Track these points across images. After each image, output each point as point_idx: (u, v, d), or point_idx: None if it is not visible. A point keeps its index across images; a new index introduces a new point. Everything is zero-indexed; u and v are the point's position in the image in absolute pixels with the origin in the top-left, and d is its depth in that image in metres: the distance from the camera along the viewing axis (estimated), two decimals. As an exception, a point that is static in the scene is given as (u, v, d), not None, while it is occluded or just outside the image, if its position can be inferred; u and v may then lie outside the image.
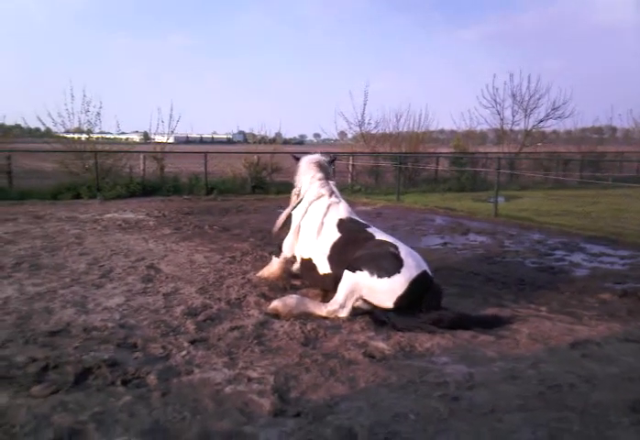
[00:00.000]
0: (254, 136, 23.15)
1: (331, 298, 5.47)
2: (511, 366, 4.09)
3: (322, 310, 5.25)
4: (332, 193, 6.33)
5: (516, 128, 27.06)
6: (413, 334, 4.76)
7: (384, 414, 3.28)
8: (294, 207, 6.44)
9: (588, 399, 3.54)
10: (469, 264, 7.83)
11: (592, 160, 25.11)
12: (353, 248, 5.50)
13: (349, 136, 26.45)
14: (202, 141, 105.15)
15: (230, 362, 4.07)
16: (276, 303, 5.29)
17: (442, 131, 34.08)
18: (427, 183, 21.22)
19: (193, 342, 4.47)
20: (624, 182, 21.51)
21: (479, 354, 4.34)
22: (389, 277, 5.07)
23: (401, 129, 23.72)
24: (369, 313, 5.24)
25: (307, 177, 6.50)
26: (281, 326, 4.90)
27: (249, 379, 3.76)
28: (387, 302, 5.10)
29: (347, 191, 18.67)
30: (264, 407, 3.37)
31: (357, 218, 6.16)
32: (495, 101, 26.06)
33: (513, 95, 25.95)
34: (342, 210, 6.15)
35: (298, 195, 6.56)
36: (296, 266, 6.68)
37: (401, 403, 3.42)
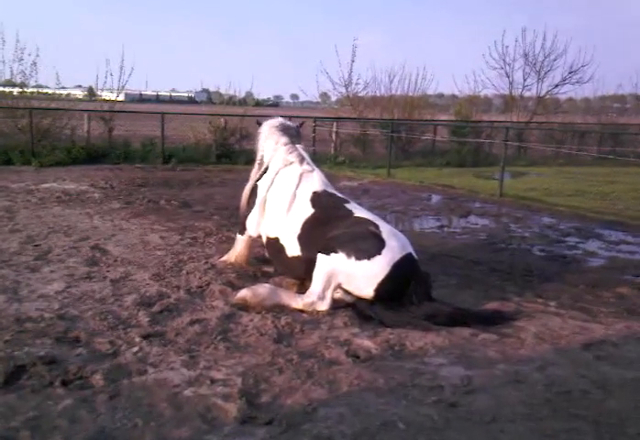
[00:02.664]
0: (221, 95, 22.91)
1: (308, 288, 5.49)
2: (514, 368, 4.15)
3: (297, 302, 5.27)
4: (302, 160, 6.31)
5: (527, 94, 27.20)
6: (404, 330, 4.80)
7: (370, 422, 3.31)
8: (259, 178, 6.42)
9: (602, 407, 3.61)
10: (470, 251, 7.91)
11: (613, 133, 25.37)
12: (327, 227, 5.53)
13: (333, 98, 26.35)
14: (158, 100, 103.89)
15: (190, 361, 4.07)
16: (245, 293, 5.29)
17: (441, 96, 34.09)
18: (423, 156, 21.30)
19: (146, 337, 4.45)
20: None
21: (478, 354, 4.40)
22: (368, 259, 5.12)
23: (394, 92, 23.74)
24: (352, 307, 5.27)
25: (270, 142, 6.48)
26: (251, 320, 4.90)
27: (213, 381, 3.77)
28: (367, 288, 5.15)
29: (329, 162, 18.70)
30: (230, 413, 3.38)
31: (333, 191, 6.18)
32: (504, 61, 26.13)
33: (525, 55, 26.03)
34: (316, 181, 6.14)
35: (261, 165, 6.55)
36: None
37: (389, 410, 3.46)
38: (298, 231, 5.73)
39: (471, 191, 14.06)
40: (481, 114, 27.23)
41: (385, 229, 5.41)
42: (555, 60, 26.03)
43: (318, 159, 19.18)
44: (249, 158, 18.14)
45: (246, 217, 6.38)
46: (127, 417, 3.32)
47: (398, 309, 5.14)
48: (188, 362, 4.05)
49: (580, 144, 24.79)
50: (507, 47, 26.06)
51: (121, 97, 20.52)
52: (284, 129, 6.60)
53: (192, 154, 18.25)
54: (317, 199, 5.92)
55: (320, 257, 5.29)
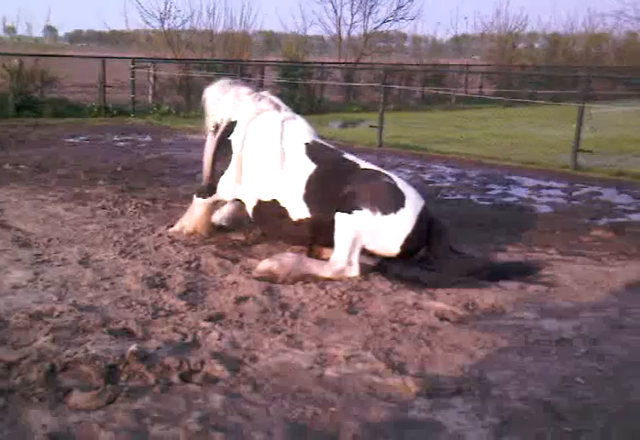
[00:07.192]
0: None
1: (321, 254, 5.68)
2: (603, 315, 4.76)
3: (325, 270, 5.42)
4: (278, 107, 6.30)
5: (356, 35, 28.30)
6: (458, 289, 5.18)
7: (549, 381, 3.68)
8: (224, 133, 6.27)
9: None
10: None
11: (437, 75, 27.54)
12: (337, 183, 5.68)
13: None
14: None
15: (292, 341, 4.11)
16: (270, 264, 5.33)
17: (262, 32, 34.25)
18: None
19: (210, 320, 4.38)
20: (468, 102, 24.92)
21: (552, 306, 4.94)
22: (395, 213, 5.43)
23: (215, 28, 23.50)
24: (380, 270, 5.54)
25: (228, 98, 6.41)
26: (295, 293, 4.99)
27: (347, 359, 3.87)
28: (393, 245, 5.48)
29: (153, 112, 18.38)
30: (404, 388, 3.53)
31: (322, 141, 6.29)
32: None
33: (351, -13, 26.86)
34: (303, 130, 6.17)
35: (216, 128, 6.39)
36: (223, 214, 6.66)
37: (552, 367, 3.86)
38: (303, 190, 5.74)
39: (344, 140, 14.61)
40: (310, 55, 27.92)
41: (398, 180, 5.75)
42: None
43: (140, 109, 18.70)
44: (58, 109, 17.40)
45: (214, 178, 6.25)
46: (297, 405, 3.35)
47: (431, 267, 5.55)
48: (290, 342, 4.09)
49: (408, 86, 26.52)
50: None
51: None
52: (237, 82, 6.66)
53: (-19, 106, 16.68)
54: (313, 151, 5.95)
55: (341, 217, 5.44)
